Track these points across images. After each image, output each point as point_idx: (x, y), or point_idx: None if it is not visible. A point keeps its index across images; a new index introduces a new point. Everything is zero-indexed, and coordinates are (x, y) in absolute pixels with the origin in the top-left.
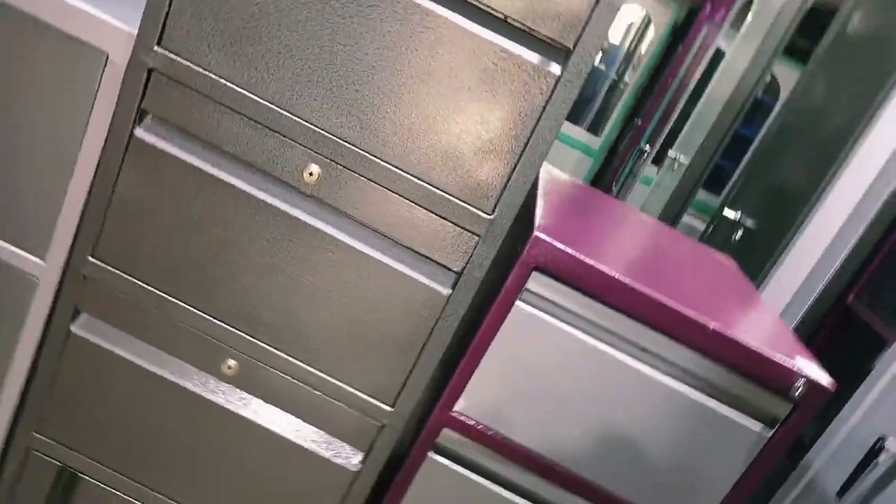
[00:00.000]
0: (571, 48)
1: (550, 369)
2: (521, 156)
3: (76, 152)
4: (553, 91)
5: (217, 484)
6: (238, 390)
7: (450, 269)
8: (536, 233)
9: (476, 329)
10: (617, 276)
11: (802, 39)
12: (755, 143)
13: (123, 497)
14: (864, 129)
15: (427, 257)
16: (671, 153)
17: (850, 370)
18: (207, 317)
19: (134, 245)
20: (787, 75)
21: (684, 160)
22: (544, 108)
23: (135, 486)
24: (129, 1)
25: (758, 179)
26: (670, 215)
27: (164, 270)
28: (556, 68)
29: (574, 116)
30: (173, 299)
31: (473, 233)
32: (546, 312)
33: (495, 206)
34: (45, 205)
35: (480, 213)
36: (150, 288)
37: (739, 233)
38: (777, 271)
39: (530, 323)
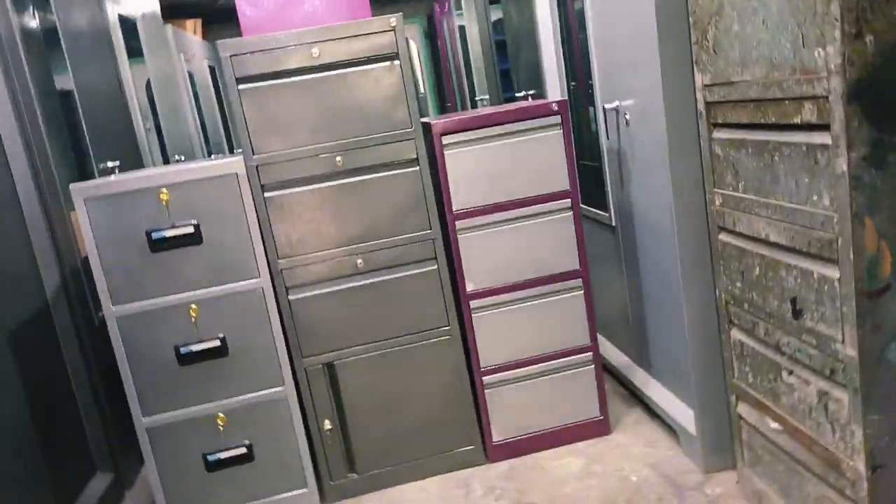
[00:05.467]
0: (396, 53)
1: (473, 168)
2: (406, 99)
3: (245, 223)
4: (401, 70)
5: (379, 321)
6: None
7: (411, 159)
8: (433, 122)
9: (439, 181)
10: (460, 118)
11: None
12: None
13: (357, 357)
14: (532, 24)
15: (401, 160)
16: (478, 98)
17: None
18: (336, 248)
19: (293, 242)
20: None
21: (487, 97)
22: (402, 76)
23: (357, 348)
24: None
25: (520, 68)
26: None
27: (309, 242)
28: (396, 62)
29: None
30: (319, 252)
31: (410, 138)
32: (456, 148)
33: (411, 123)
34: (246, 253)
35: (408, 130)
36: (309, 254)
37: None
38: (548, 90)
39: (455, 156)
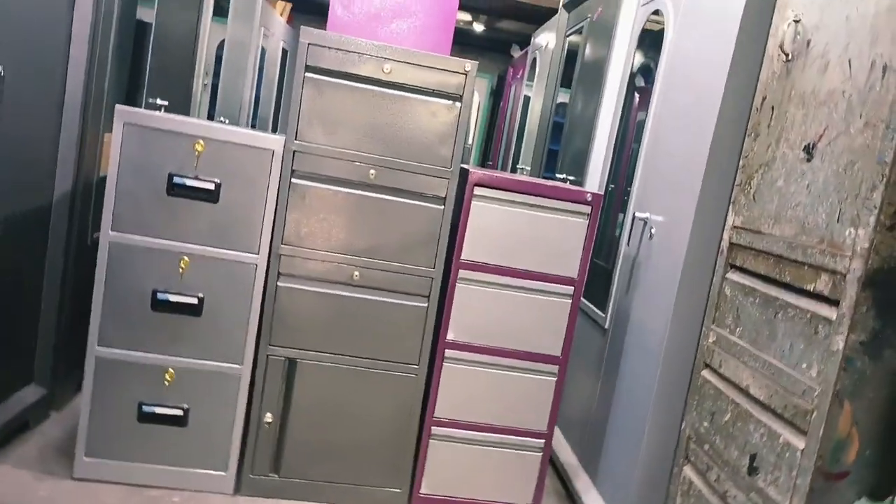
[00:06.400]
0: (461, 97)
1: (493, 226)
2: (455, 140)
3: (263, 200)
4: (459, 113)
5: (355, 337)
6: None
7: (439, 197)
8: (472, 170)
9: (457, 226)
10: (499, 175)
11: (566, 73)
12: (565, 129)
13: (320, 363)
14: (594, 118)
15: (429, 195)
16: (519, 166)
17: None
18: (339, 253)
19: (301, 233)
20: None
21: (528, 168)
22: (458, 118)
23: (324, 354)
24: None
25: (568, 152)
26: None
27: (316, 238)
28: (457, 104)
29: None
30: (322, 251)
31: (445, 177)
32: (484, 202)
33: (451, 164)
34: (254, 227)
35: (446, 169)
36: (312, 250)
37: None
38: (586, 181)
39: (480, 209)
